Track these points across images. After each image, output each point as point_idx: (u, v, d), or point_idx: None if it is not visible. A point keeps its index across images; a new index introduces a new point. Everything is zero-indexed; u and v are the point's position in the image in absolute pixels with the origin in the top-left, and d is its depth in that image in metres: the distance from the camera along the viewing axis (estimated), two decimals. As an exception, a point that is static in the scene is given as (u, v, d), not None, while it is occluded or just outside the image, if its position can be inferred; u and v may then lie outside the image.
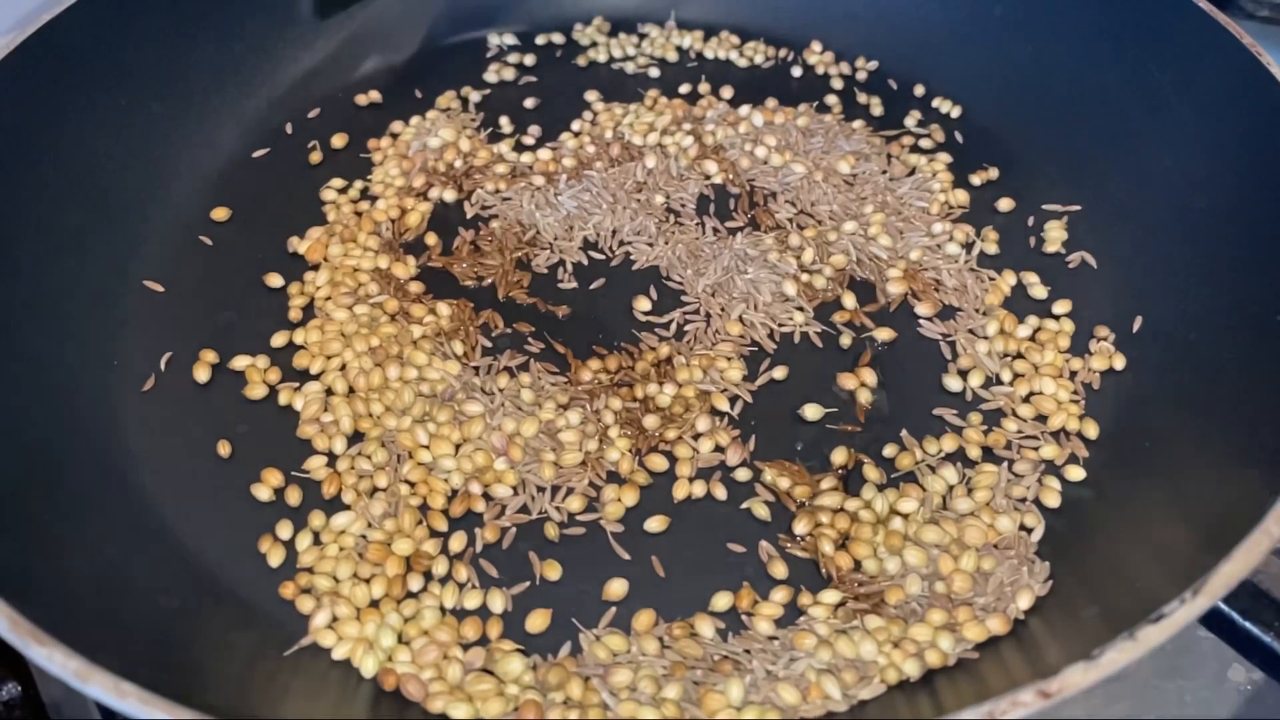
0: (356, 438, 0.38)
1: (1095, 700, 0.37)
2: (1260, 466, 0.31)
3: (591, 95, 0.51)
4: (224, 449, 0.37)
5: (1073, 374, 0.40)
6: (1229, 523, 0.29)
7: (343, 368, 0.40)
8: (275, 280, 0.43)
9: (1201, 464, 0.34)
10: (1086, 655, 0.25)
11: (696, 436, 0.38)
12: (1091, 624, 0.29)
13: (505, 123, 0.50)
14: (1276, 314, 0.36)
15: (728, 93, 0.51)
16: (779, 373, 0.40)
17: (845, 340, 0.41)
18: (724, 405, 0.39)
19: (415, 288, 0.43)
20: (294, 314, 0.42)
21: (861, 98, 0.51)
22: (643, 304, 0.42)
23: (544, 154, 0.48)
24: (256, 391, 0.39)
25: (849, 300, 0.42)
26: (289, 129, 0.49)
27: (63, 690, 0.35)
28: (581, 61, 0.53)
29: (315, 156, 0.48)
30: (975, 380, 0.40)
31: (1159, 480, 0.35)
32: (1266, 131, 0.40)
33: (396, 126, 0.50)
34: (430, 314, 0.41)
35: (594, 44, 0.54)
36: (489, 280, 0.43)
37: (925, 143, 0.49)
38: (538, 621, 0.33)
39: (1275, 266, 0.37)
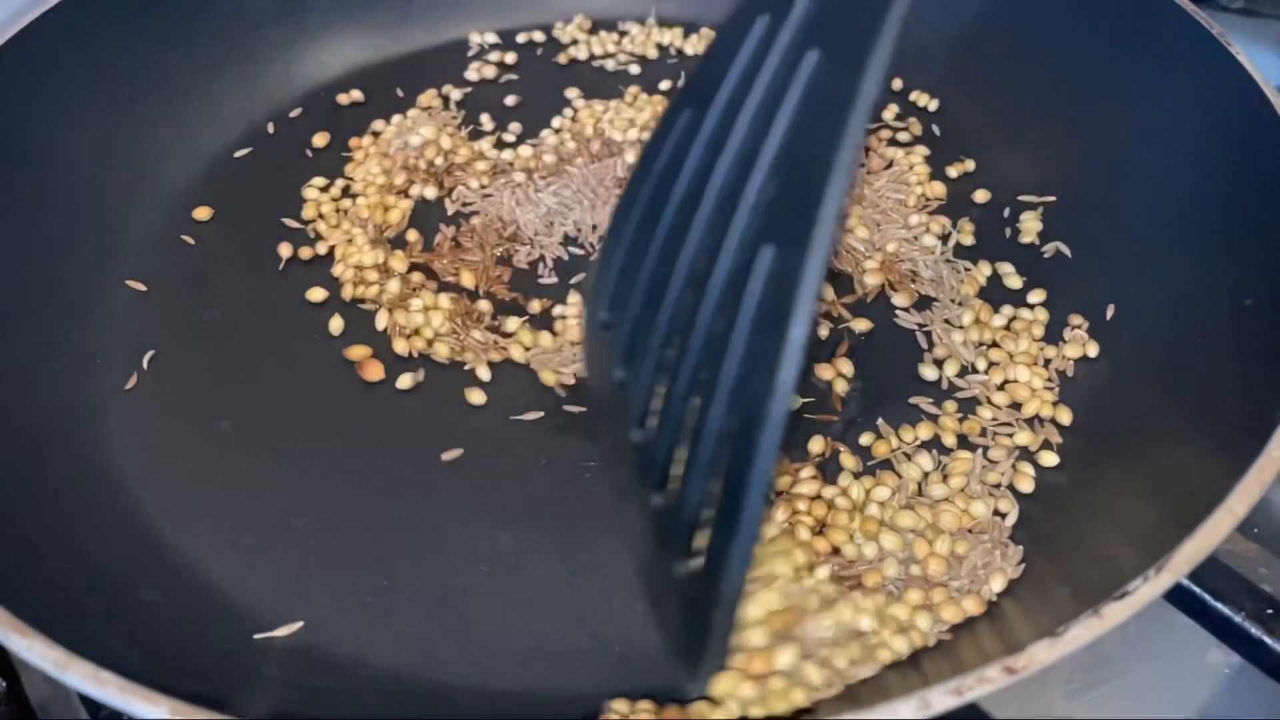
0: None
1: (1075, 685, 0.37)
2: (1227, 448, 0.31)
3: (572, 92, 0.52)
4: (207, 446, 0.38)
5: (1047, 362, 0.40)
6: (1196, 502, 0.29)
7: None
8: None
9: (1171, 447, 0.34)
10: (1051, 632, 0.26)
11: (675, 427, 0.38)
12: (1062, 603, 0.30)
13: (486, 120, 0.50)
14: (1246, 300, 0.36)
15: (707, 89, 0.52)
16: (757, 364, 0.40)
17: (823, 331, 0.42)
18: (703, 396, 0.39)
19: (416, 278, 0.43)
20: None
21: (839, 92, 0.52)
22: (623, 298, 0.43)
23: (525, 151, 0.49)
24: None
25: (826, 291, 0.43)
26: (270, 128, 0.49)
27: (48, 687, 0.35)
28: (562, 59, 0.54)
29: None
30: (951, 369, 0.40)
31: (1130, 463, 0.35)
32: (1237, 123, 0.40)
33: (378, 125, 0.50)
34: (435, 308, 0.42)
35: (575, 41, 0.55)
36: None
37: (903, 136, 0.49)
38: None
39: (1245, 253, 0.38)
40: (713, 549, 0.25)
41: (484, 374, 0.40)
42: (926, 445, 0.38)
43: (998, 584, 0.33)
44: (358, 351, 0.40)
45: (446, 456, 0.38)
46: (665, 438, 0.28)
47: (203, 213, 0.46)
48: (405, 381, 0.40)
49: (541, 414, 0.39)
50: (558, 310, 0.42)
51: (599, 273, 0.32)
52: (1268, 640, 0.33)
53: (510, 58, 0.54)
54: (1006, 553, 0.34)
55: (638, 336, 0.30)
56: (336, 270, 0.44)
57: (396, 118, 0.50)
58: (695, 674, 0.27)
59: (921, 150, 0.48)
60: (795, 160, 0.25)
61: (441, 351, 0.41)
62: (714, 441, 0.25)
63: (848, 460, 0.37)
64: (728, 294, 0.26)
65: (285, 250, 0.44)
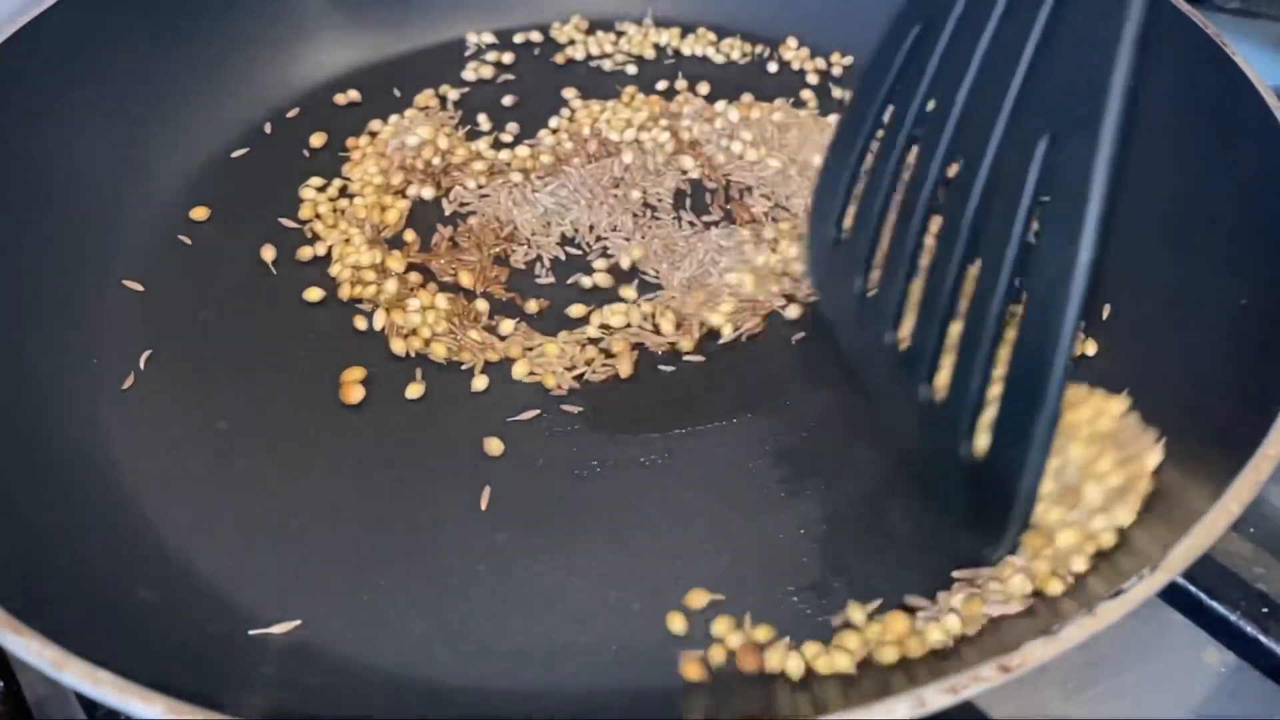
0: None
1: (1071, 684, 0.37)
2: (1222, 446, 0.31)
3: (569, 92, 0.52)
4: (204, 445, 0.38)
5: (1043, 361, 0.40)
6: (1191, 501, 0.29)
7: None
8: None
9: (1167, 446, 0.34)
10: (1046, 630, 0.26)
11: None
12: (1058, 602, 0.30)
13: (483, 120, 0.51)
14: (1240, 300, 0.37)
15: (704, 89, 0.52)
16: (754, 363, 0.40)
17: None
18: (700, 396, 0.39)
19: (414, 278, 0.43)
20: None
21: (836, 93, 0.52)
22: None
23: (522, 151, 0.49)
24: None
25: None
26: (268, 128, 0.49)
27: (46, 687, 0.35)
28: (559, 59, 0.54)
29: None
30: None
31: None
32: (1232, 124, 0.40)
33: (375, 125, 0.50)
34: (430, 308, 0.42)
35: (572, 42, 0.55)
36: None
37: (899, 136, 0.49)
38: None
39: (1240, 253, 0.38)
40: (1011, 425, 0.28)
41: (481, 374, 0.40)
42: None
43: (1152, 459, 0.32)
44: (352, 374, 0.40)
45: (442, 456, 0.38)
46: (933, 332, 0.31)
47: (200, 213, 0.46)
48: (414, 391, 0.39)
49: (538, 413, 0.39)
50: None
51: (821, 195, 0.36)
52: (1263, 639, 0.33)
53: (507, 58, 0.54)
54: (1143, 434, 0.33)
55: (880, 244, 0.33)
56: (334, 270, 0.44)
57: (394, 118, 0.50)
58: (998, 542, 0.30)
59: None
60: (1071, 52, 0.27)
61: (439, 351, 0.41)
62: (996, 328, 0.28)
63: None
64: (991, 189, 0.29)
65: (269, 254, 0.44)
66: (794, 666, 0.31)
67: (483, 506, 0.36)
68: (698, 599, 0.33)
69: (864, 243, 0.35)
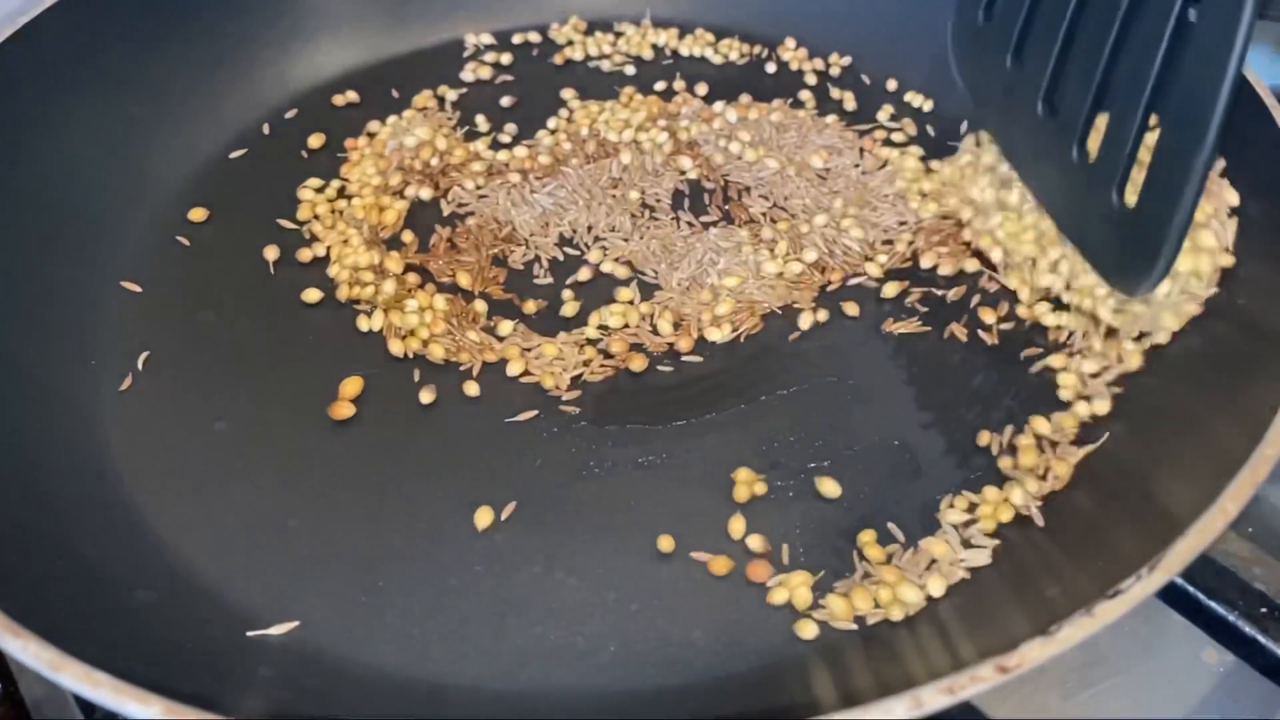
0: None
1: (1070, 684, 0.37)
2: (1219, 446, 0.31)
3: (568, 93, 0.52)
4: (202, 447, 0.38)
5: (1042, 361, 0.41)
6: (1189, 501, 0.29)
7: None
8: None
9: (1164, 446, 0.34)
10: (1044, 631, 0.26)
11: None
12: (1054, 603, 0.30)
13: (482, 121, 0.51)
14: (1239, 299, 0.37)
15: (702, 89, 0.52)
16: (752, 364, 0.41)
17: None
18: (698, 396, 0.39)
19: (412, 279, 0.43)
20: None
21: (834, 93, 0.52)
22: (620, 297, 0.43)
23: (520, 151, 0.49)
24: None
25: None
26: (266, 129, 0.49)
27: (44, 689, 0.35)
28: (558, 60, 0.54)
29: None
30: (946, 368, 0.40)
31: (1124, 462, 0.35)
32: (1232, 125, 0.40)
33: (373, 126, 0.50)
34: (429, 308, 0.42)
35: (570, 42, 0.55)
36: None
37: (897, 136, 0.49)
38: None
39: (1238, 253, 0.38)
40: (1168, 169, 0.31)
41: (479, 375, 0.40)
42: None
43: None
44: (347, 389, 0.39)
45: (441, 457, 0.38)
46: (1088, 102, 0.35)
47: (198, 214, 0.46)
48: (426, 397, 0.39)
49: (536, 413, 0.39)
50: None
51: None
52: (1262, 639, 0.33)
53: (505, 58, 0.54)
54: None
55: (1033, 27, 0.38)
56: (332, 271, 0.44)
57: (392, 118, 0.50)
58: (1141, 281, 0.33)
59: (916, 151, 0.48)
60: None
61: (437, 352, 0.41)
62: (1153, 89, 0.32)
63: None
64: None
65: (272, 253, 0.44)
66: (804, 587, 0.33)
67: (503, 517, 0.36)
68: (743, 474, 0.36)
69: (1013, 21, 0.39)
